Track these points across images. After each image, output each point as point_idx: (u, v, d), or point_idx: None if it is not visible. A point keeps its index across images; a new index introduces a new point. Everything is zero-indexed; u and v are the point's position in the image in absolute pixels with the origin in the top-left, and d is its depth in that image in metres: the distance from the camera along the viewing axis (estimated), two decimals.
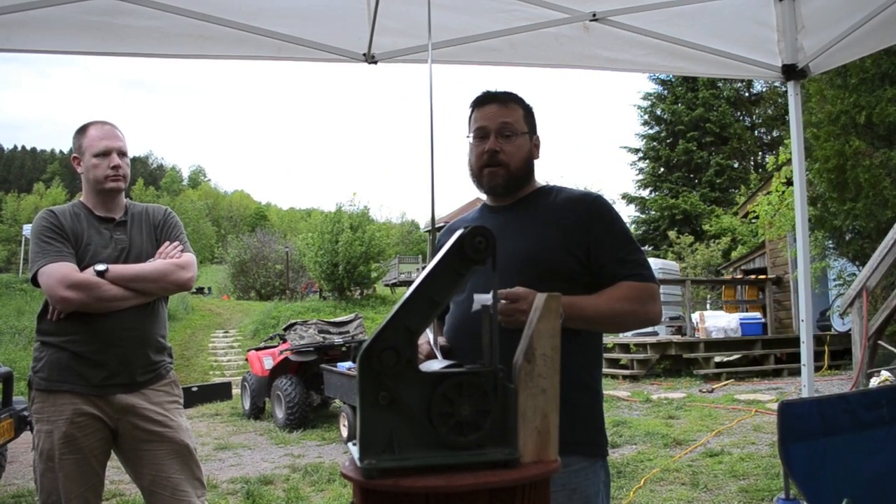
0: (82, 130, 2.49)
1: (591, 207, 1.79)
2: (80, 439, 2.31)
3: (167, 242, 2.52)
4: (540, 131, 1.90)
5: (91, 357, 2.32)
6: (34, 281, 2.34)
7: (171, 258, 2.47)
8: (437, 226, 2.09)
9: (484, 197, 1.95)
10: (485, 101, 1.83)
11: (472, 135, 1.84)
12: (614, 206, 1.88)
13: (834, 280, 10.48)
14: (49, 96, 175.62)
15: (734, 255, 17.23)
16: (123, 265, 2.40)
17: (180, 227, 2.62)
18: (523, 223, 1.80)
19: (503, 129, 1.79)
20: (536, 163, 1.89)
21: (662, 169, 25.06)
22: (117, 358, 2.35)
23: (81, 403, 2.32)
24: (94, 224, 2.46)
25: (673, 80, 24.51)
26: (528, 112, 1.86)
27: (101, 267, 2.32)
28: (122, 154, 2.48)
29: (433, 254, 2.00)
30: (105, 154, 2.43)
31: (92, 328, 2.32)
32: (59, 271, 2.27)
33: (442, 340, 1.77)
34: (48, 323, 2.37)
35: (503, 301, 1.55)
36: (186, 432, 2.49)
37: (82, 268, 2.33)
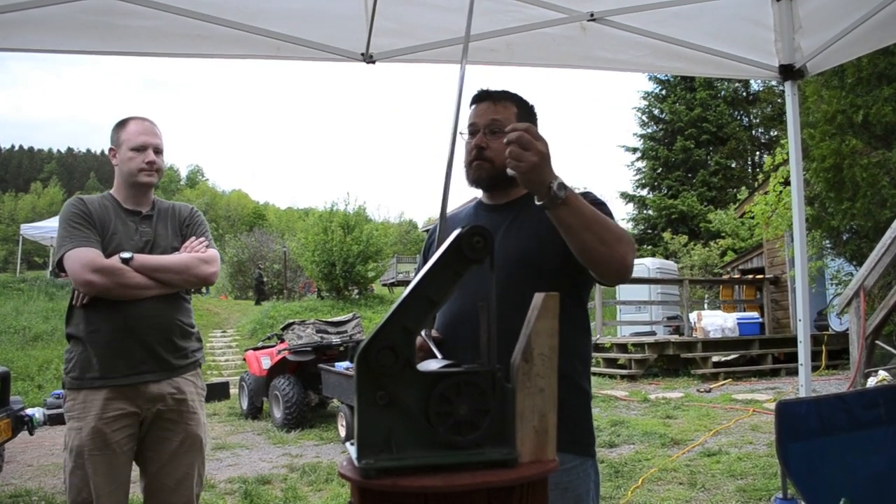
0: (122, 124, 2.53)
1: None
2: (108, 435, 2.32)
3: (193, 237, 2.56)
4: (539, 130, 1.90)
5: (115, 347, 2.34)
6: (59, 265, 2.37)
7: (196, 252, 2.50)
8: (433, 225, 2.09)
9: (479, 194, 1.95)
10: (479, 98, 1.85)
11: (465, 131, 1.85)
12: (607, 203, 1.88)
13: (831, 280, 10.50)
14: (63, 96, 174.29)
15: (727, 257, 17.21)
16: (149, 255, 2.43)
17: (205, 225, 2.66)
18: (519, 222, 1.80)
19: (492, 126, 1.80)
20: None
21: (661, 169, 25.06)
22: (141, 345, 2.36)
23: (112, 397, 2.33)
24: (121, 215, 2.50)
25: (671, 79, 24.50)
26: (523, 110, 1.86)
27: (126, 255, 2.36)
28: (158, 151, 2.52)
29: (426, 249, 2.00)
30: (142, 149, 2.47)
31: (114, 317, 2.34)
32: (86, 256, 2.30)
33: (434, 332, 1.77)
34: (74, 316, 2.40)
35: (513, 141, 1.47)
36: (203, 427, 2.52)
37: (107, 256, 2.36)
